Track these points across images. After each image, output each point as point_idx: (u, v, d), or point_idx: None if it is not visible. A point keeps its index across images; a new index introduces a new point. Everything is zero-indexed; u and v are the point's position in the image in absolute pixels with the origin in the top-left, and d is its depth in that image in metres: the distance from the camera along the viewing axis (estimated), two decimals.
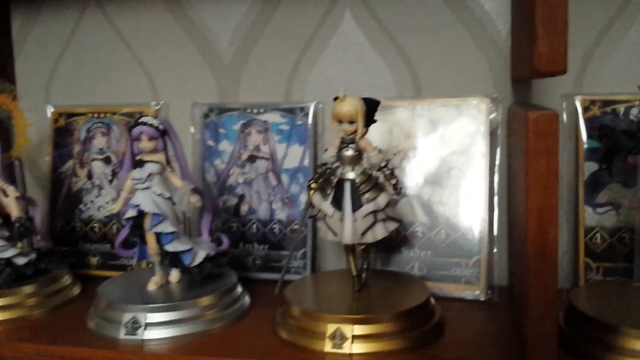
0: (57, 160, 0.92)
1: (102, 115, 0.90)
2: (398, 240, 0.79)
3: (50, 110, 0.92)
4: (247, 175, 0.86)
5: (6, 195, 0.76)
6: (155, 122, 0.68)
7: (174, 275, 0.73)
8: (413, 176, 0.79)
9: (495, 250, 0.77)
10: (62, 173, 0.92)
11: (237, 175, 0.86)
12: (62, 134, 0.92)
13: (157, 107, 0.89)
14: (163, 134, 0.68)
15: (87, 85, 0.93)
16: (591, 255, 0.75)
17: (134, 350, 0.64)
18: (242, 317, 0.71)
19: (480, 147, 0.78)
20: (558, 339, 0.52)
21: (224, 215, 0.86)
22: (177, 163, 0.71)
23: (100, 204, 0.89)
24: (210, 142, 0.87)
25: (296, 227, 0.83)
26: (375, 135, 0.75)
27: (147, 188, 0.68)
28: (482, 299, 0.75)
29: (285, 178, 0.85)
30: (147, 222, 0.69)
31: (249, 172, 0.86)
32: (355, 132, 0.65)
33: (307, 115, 0.84)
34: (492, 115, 0.78)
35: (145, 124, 0.67)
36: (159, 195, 0.68)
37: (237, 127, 0.87)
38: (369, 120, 0.66)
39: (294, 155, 0.84)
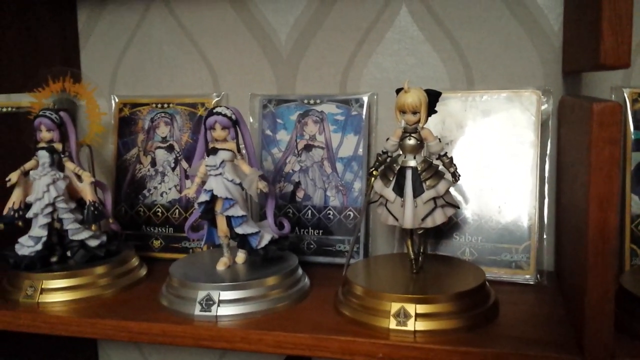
0: (121, 148, 0.97)
1: (165, 105, 0.95)
2: (450, 226, 0.82)
3: (114, 101, 0.97)
4: (303, 164, 0.90)
5: (81, 180, 0.81)
6: (228, 112, 0.72)
7: (240, 256, 0.78)
8: (465, 165, 0.82)
9: (545, 236, 0.80)
10: (126, 160, 0.97)
11: (294, 164, 0.90)
12: (127, 123, 0.97)
13: (218, 98, 0.94)
14: (235, 123, 0.72)
15: (151, 76, 0.98)
16: (637, 241, 0.77)
17: (209, 325, 0.68)
18: (304, 296, 0.76)
19: (531, 137, 0.81)
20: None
21: (281, 202, 0.90)
22: (246, 151, 0.75)
23: (164, 190, 0.94)
24: (268, 132, 0.92)
25: (351, 213, 0.87)
26: (429, 125, 0.79)
27: (219, 174, 0.72)
28: (532, 283, 0.78)
29: (339, 166, 0.88)
30: (219, 206, 0.73)
31: (305, 161, 0.90)
32: (417, 122, 0.68)
33: (362, 106, 0.88)
34: (543, 107, 0.81)
35: (219, 113, 0.71)
36: (231, 181, 0.72)
37: (294, 117, 0.91)
38: (430, 110, 0.69)
39: (348, 145, 0.88)
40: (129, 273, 0.83)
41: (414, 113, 0.68)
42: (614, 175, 0.53)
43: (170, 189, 0.94)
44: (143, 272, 0.86)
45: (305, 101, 0.90)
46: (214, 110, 0.72)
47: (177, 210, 0.94)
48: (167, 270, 0.85)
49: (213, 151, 0.72)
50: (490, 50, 0.85)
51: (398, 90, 0.69)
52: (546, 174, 0.81)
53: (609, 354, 0.56)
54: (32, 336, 0.76)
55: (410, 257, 0.73)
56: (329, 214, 0.89)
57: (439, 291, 0.67)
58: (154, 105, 0.96)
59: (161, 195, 0.95)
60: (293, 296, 0.74)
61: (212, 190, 0.73)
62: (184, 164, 0.94)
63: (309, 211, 0.90)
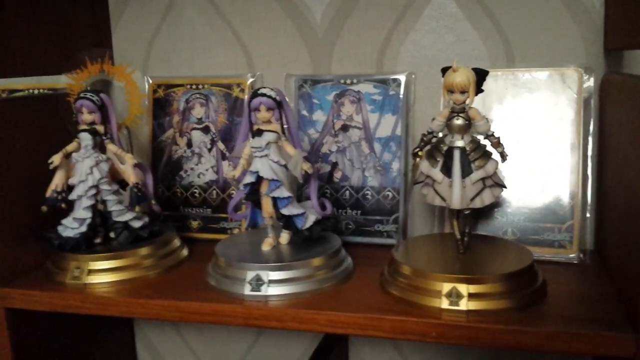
0: (157, 130, 0.97)
1: (200, 86, 0.95)
2: (492, 205, 0.82)
3: (148, 82, 0.97)
4: (340, 144, 0.90)
5: (122, 162, 0.81)
6: (273, 94, 0.72)
7: (284, 237, 0.78)
8: (506, 144, 0.82)
9: (588, 215, 0.80)
10: (161, 142, 0.97)
11: (331, 144, 0.90)
12: (161, 104, 0.97)
13: (253, 79, 0.93)
14: (279, 104, 0.72)
15: (184, 57, 0.98)
16: None
17: (259, 305, 0.69)
18: (349, 277, 0.76)
19: (573, 115, 0.80)
20: None
21: (318, 182, 0.90)
22: (289, 132, 0.75)
23: (200, 170, 0.95)
24: (305, 112, 0.91)
25: (389, 193, 0.87)
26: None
27: (265, 156, 0.72)
28: (575, 262, 0.79)
29: (377, 146, 0.88)
30: (264, 188, 0.74)
31: (342, 141, 0.90)
32: (464, 101, 0.68)
33: (399, 85, 0.87)
34: (585, 85, 0.80)
35: (264, 95, 0.71)
36: (276, 162, 0.72)
37: (330, 97, 0.90)
38: (477, 89, 0.69)
39: (386, 125, 0.88)
40: (172, 254, 0.84)
41: (462, 92, 0.67)
42: None
43: (207, 170, 0.94)
44: (185, 252, 0.86)
45: (342, 81, 0.90)
46: (259, 92, 0.72)
47: (214, 191, 0.94)
48: (207, 250, 0.86)
49: (258, 133, 0.72)
50: (530, 28, 0.84)
51: (444, 70, 0.69)
52: (589, 153, 0.80)
53: None
54: (66, 316, 0.77)
55: (457, 237, 0.73)
56: (367, 194, 0.89)
57: (489, 271, 0.67)
58: (188, 86, 0.95)
59: (198, 176, 0.95)
60: (338, 276, 0.74)
61: (257, 171, 0.73)
62: (220, 145, 0.94)
63: (347, 192, 0.90)
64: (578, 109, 0.80)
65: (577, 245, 0.79)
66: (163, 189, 0.96)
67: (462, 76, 0.66)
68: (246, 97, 0.92)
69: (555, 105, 0.81)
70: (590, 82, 0.80)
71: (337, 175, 0.90)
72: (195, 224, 0.95)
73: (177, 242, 0.86)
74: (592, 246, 0.84)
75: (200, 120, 0.95)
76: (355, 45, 0.90)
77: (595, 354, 0.61)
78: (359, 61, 0.90)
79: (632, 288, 0.62)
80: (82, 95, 0.78)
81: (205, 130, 0.94)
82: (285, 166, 0.73)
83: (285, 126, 0.75)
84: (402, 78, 0.87)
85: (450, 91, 0.68)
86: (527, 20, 0.84)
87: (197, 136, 0.95)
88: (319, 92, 0.91)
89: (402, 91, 0.87)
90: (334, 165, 0.90)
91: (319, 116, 0.91)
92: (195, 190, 0.95)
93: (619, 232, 0.69)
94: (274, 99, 0.72)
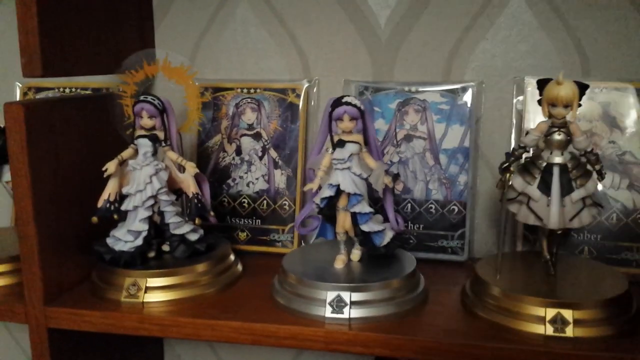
0: (203, 135, 0.91)
1: (252, 90, 0.89)
2: None
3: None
4: (402, 154, 0.85)
5: (182, 170, 0.76)
6: (357, 103, 0.67)
7: (356, 253, 0.73)
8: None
9: None
10: (208, 148, 0.91)
11: (393, 154, 0.86)
12: (208, 108, 0.91)
13: (309, 84, 0.88)
14: (362, 114, 0.67)
15: (236, 58, 0.92)
16: None
17: (342, 329, 0.64)
18: (426, 299, 0.72)
19: None
20: None
21: (377, 194, 0.85)
22: (370, 144, 0.70)
23: (250, 179, 0.89)
24: None
25: (455, 208, 0.83)
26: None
27: (347, 168, 0.67)
28: None
29: (443, 158, 0.84)
30: (343, 202, 0.69)
31: (405, 152, 0.85)
32: (567, 116, 0.64)
33: (468, 94, 0.83)
34: None
35: (349, 104, 0.66)
36: (358, 175, 0.68)
37: (393, 105, 0.86)
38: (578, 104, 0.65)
39: (453, 136, 0.84)
40: (229, 269, 0.79)
41: (566, 106, 0.63)
42: None
43: (257, 178, 0.89)
44: (240, 268, 0.81)
45: (406, 89, 0.85)
46: (343, 100, 0.67)
47: (265, 201, 0.89)
48: (259, 264, 0.82)
49: (340, 144, 0.67)
50: (607, 40, 0.81)
51: (541, 82, 0.65)
52: None
53: None
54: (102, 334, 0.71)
55: (546, 257, 0.69)
56: (431, 207, 0.85)
57: (589, 296, 0.64)
58: (239, 90, 0.90)
59: (247, 185, 0.89)
60: (417, 298, 0.70)
61: (338, 184, 0.68)
62: (273, 153, 0.88)
63: (409, 204, 0.85)
64: None
65: None
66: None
67: (567, 89, 0.63)
68: (301, 103, 0.88)
69: (634, 120, 0.79)
70: None
71: (399, 187, 0.86)
72: (243, 235, 0.89)
73: (232, 257, 0.81)
74: None
75: (251, 126, 0.89)
76: (420, 52, 0.86)
77: None
78: (424, 68, 0.86)
79: None
80: (142, 98, 0.72)
81: (257, 136, 0.89)
82: (366, 179, 0.68)
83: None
84: (471, 87, 0.83)
85: (553, 105, 0.64)
86: (604, 32, 0.80)
87: (247, 143, 0.89)
88: (381, 99, 0.86)
89: (470, 101, 0.83)
90: (396, 176, 0.85)
91: (380, 125, 0.86)
92: (244, 200, 0.89)
93: None
94: (359, 108, 0.67)
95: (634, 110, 0.79)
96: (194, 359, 1.06)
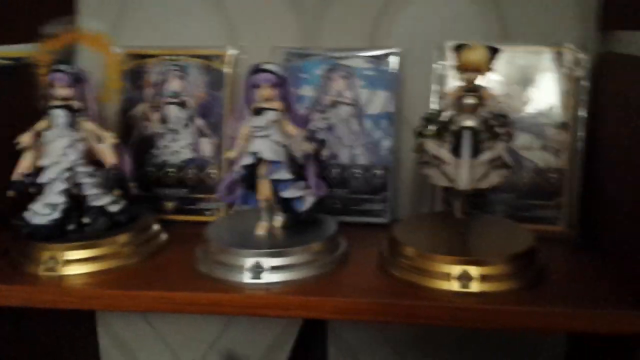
0: (127, 104, 0.89)
1: (176, 57, 0.88)
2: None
3: (118, 51, 0.89)
4: (329, 121, 0.86)
5: (101, 141, 0.74)
6: (277, 69, 0.67)
7: (278, 220, 0.74)
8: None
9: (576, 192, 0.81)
10: (131, 117, 0.89)
11: (319, 121, 0.86)
12: (132, 76, 0.89)
13: (236, 51, 0.87)
14: (282, 81, 0.67)
15: (160, 25, 0.90)
16: None
17: (261, 293, 0.65)
18: (347, 259, 0.73)
19: (565, 94, 0.80)
20: None
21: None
22: (290, 111, 0.70)
23: (176, 148, 0.88)
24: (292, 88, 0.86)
25: (378, 171, 0.85)
26: None
27: (266, 136, 0.68)
28: (565, 238, 0.79)
29: (368, 124, 0.85)
30: (264, 169, 0.69)
31: (331, 118, 0.86)
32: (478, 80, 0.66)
33: (392, 61, 0.84)
34: (579, 63, 0.80)
35: (268, 70, 0.66)
36: (277, 142, 0.68)
37: (319, 72, 0.86)
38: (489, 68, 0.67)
39: (378, 102, 0.85)
40: (152, 240, 0.78)
41: (476, 71, 0.65)
42: None
43: (183, 147, 0.88)
44: (164, 237, 0.81)
45: (332, 55, 0.85)
46: (261, 67, 0.67)
47: (191, 171, 0.88)
48: (186, 234, 0.82)
49: (259, 111, 0.67)
50: (526, 4, 0.82)
51: (458, 47, 0.66)
52: (578, 131, 0.81)
53: None
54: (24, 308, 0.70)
55: (458, 217, 0.72)
56: (356, 172, 0.86)
57: (495, 253, 0.66)
58: (163, 57, 0.88)
59: (173, 154, 0.89)
60: (336, 260, 0.72)
61: (257, 152, 0.68)
62: (199, 122, 0.88)
63: (335, 170, 0.86)
64: (571, 87, 0.80)
65: (566, 221, 0.80)
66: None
67: (478, 54, 0.64)
68: (227, 70, 0.87)
69: (547, 84, 0.81)
70: (584, 60, 0.80)
71: (325, 153, 0.86)
72: (170, 205, 0.89)
73: (156, 227, 0.80)
74: (579, 222, 0.85)
75: (176, 94, 0.88)
76: (346, 18, 0.86)
77: (604, 333, 0.61)
78: (351, 35, 0.86)
79: (635, 266, 0.62)
80: (56, 67, 0.70)
81: (182, 105, 0.88)
82: (286, 147, 0.69)
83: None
84: (395, 53, 0.84)
85: (464, 69, 0.65)
86: None
87: (172, 111, 0.88)
88: (308, 66, 0.86)
89: (395, 67, 0.84)
90: (322, 142, 0.86)
91: (307, 91, 0.86)
92: (170, 170, 0.89)
93: (615, 210, 0.70)
94: (279, 75, 0.67)
95: (550, 73, 0.81)
96: (128, 331, 1.06)
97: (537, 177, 0.81)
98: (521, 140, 0.81)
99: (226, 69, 0.87)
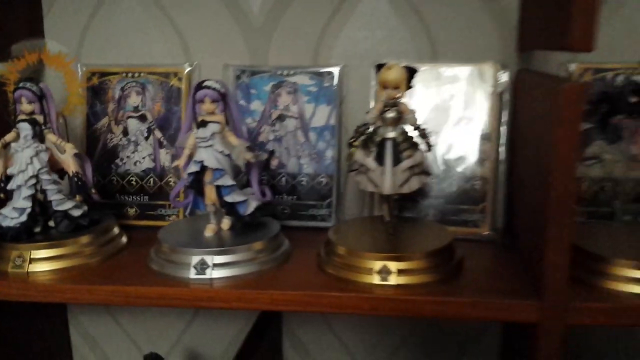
0: (92, 118, 0.97)
1: (136, 74, 0.96)
2: (417, 190, 0.89)
3: (81, 70, 0.97)
4: (277, 133, 0.94)
5: (62, 151, 0.82)
6: (217, 86, 0.75)
7: (226, 222, 0.82)
8: (431, 133, 0.89)
9: (500, 197, 0.89)
10: (97, 130, 0.97)
11: (268, 133, 0.94)
12: (96, 92, 0.97)
13: (190, 68, 0.96)
14: (223, 96, 0.75)
15: (121, 44, 0.98)
16: (579, 201, 0.88)
17: (205, 287, 0.73)
18: (288, 258, 0.81)
19: (488, 107, 0.89)
20: None
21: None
22: (233, 123, 0.78)
23: (137, 159, 0.96)
24: (242, 102, 0.95)
25: (323, 180, 0.93)
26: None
27: (209, 146, 0.76)
28: (488, 239, 0.88)
29: (312, 135, 0.93)
30: (209, 176, 0.77)
31: (279, 130, 0.94)
32: (396, 96, 0.74)
33: (333, 77, 0.93)
34: (500, 80, 0.89)
35: (209, 87, 0.74)
36: (220, 152, 0.76)
37: (267, 88, 0.94)
38: (408, 86, 0.75)
39: (321, 115, 0.93)
40: (112, 241, 0.85)
41: (395, 88, 0.73)
42: (575, 148, 0.62)
43: (144, 158, 0.96)
44: (124, 240, 0.88)
45: (279, 72, 0.94)
46: (204, 84, 0.75)
47: (151, 179, 0.96)
48: (146, 237, 0.89)
49: (203, 124, 0.75)
50: (453, 26, 0.91)
51: (379, 66, 0.75)
52: (501, 141, 0.89)
53: (564, 298, 0.66)
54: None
55: (387, 219, 0.80)
56: (302, 180, 0.94)
57: (415, 250, 0.74)
58: (124, 74, 0.96)
59: (134, 164, 0.96)
60: (278, 258, 0.79)
61: (202, 161, 0.76)
62: (158, 134, 0.95)
63: (283, 178, 0.94)
64: (493, 101, 0.89)
65: (490, 224, 0.88)
66: (99, 177, 0.96)
67: (395, 73, 0.73)
68: (183, 86, 0.95)
69: (474, 98, 0.90)
70: (505, 77, 0.89)
71: (274, 162, 0.94)
72: (132, 211, 0.96)
73: (116, 230, 0.88)
74: (504, 225, 0.94)
75: (136, 109, 0.96)
76: (292, 38, 0.94)
77: (506, 320, 0.69)
78: (296, 53, 0.95)
79: (537, 262, 0.70)
80: (21, 85, 0.77)
81: (142, 118, 0.96)
82: (229, 156, 0.77)
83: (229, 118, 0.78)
84: (336, 71, 0.93)
85: (384, 87, 0.74)
86: (450, 18, 0.91)
87: (133, 124, 0.96)
88: (257, 82, 0.94)
89: (336, 83, 0.93)
90: (271, 153, 0.94)
91: (257, 106, 0.94)
92: (132, 178, 0.96)
93: (529, 214, 0.79)
94: (219, 91, 0.75)
95: (475, 88, 0.89)
96: (98, 328, 1.13)
97: (465, 184, 0.89)
98: (450, 150, 0.90)
99: (182, 85, 0.95)
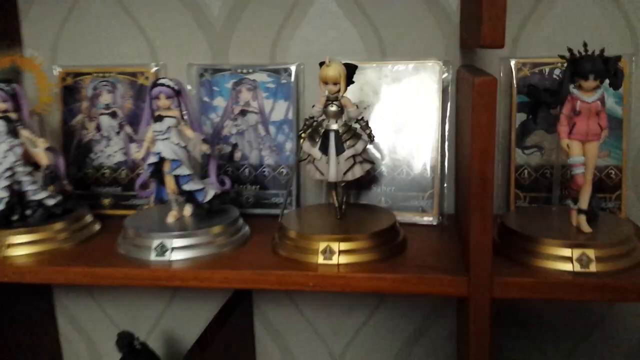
0: (67, 115, 1.04)
1: (107, 74, 1.03)
2: (368, 179, 0.96)
3: (57, 70, 1.03)
4: (239, 127, 1.01)
5: (35, 146, 0.89)
6: (171, 83, 0.81)
7: (187, 210, 0.88)
8: (380, 126, 0.96)
9: (445, 185, 0.96)
10: (72, 126, 1.04)
11: (231, 127, 1.01)
12: (71, 91, 1.03)
13: (157, 68, 1.02)
14: (177, 93, 0.82)
15: (92, 47, 1.05)
16: (520, 187, 0.95)
17: (164, 268, 0.80)
18: (245, 242, 0.88)
19: (434, 101, 0.95)
20: (493, 248, 0.71)
21: (220, 161, 1.01)
22: (188, 117, 0.85)
23: (110, 152, 1.03)
24: (206, 99, 1.01)
25: (284, 170, 1.00)
26: (349, 92, 0.91)
27: (166, 139, 0.82)
28: (435, 224, 0.94)
29: (272, 129, 1.00)
30: (167, 167, 0.84)
31: (241, 125, 1.01)
32: (338, 91, 0.81)
33: (290, 75, 0.99)
34: (444, 75, 0.95)
35: (163, 85, 0.81)
36: (177, 144, 0.82)
37: (229, 85, 1.01)
38: (349, 81, 0.82)
39: (279, 110, 1.00)
40: (85, 228, 0.92)
41: (335, 84, 0.80)
42: (490, 135, 0.68)
43: (116, 152, 1.03)
44: (97, 227, 0.95)
45: (239, 70, 1.00)
46: (158, 82, 0.81)
47: (123, 171, 1.03)
48: (119, 225, 0.94)
49: (159, 118, 0.82)
50: (399, 25, 0.98)
51: (321, 64, 0.81)
52: (446, 133, 0.96)
53: (489, 273, 0.73)
54: None
55: (335, 205, 0.86)
56: (264, 171, 1.01)
57: (357, 231, 0.81)
58: (95, 74, 1.03)
59: (107, 157, 1.03)
60: (236, 242, 0.86)
61: (160, 152, 0.83)
62: (128, 129, 1.02)
63: (247, 169, 1.01)
64: (438, 96, 0.96)
65: (437, 210, 0.95)
66: (75, 171, 1.03)
67: (333, 70, 0.79)
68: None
69: (420, 93, 0.96)
70: (448, 73, 0.95)
71: (238, 155, 1.01)
72: (106, 201, 1.03)
73: (89, 218, 0.94)
74: (452, 210, 1.00)
75: (107, 106, 1.03)
76: (250, 38, 1.01)
77: (439, 294, 0.76)
78: (254, 52, 1.01)
79: (466, 241, 0.77)
80: None
81: (113, 115, 1.03)
82: (185, 147, 0.83)
83: (184, 112, 0.85)
84: (292, 68, 0.99)
85: (325, 83, 0.80)
86: (396, 18, 0.98)
87: (105, 121, 1.03)
88: (219, 80, 1.01)
89: (292, 80, 0.99)
90: (234, 146, 1.01)
91: (219, 102, 1.01)
92: (106, 171, 1.03)
93: (462, 198, 0.85)
94: (172, 88, 0.81)
95: (422, 84, 0.96)
96: (80, 311, 1.20)
97: (414, 173, 0.96)
98: (398, 141, 0.96)
99: (148, 84, 1.01)
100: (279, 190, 1.00)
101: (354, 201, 0.96)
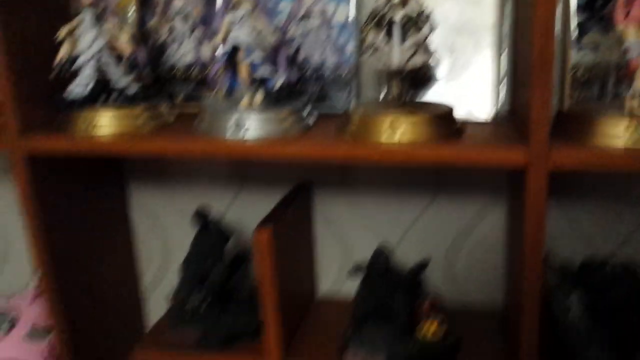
0: (143, 18, 1.11)
1: None
2: (425, 79, 1.01)
3: None
4: (302, 30, 1.06)
5: (119, 36, 0.96)
6: None
7: (258, 97, 0.95)
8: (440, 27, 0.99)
9: (503, 82, 1.00)
10: (147, 29, 1.11)
11: (295, 30, 1.06)
12: None
13: None
14: None
15: None
16: (574, 84, 0.98)
17: (240, 143, 0.87)
18: (312, 128, 0.95)
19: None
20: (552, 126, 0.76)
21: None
22: (260, 9, 0.91)
23: (183, 52, 1.10)
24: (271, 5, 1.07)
25: (345, 71, 1.05)
26: None
27: (240, 27, 0.88)
28: (492, 119, 0.99)
29: (334, 31, 1.05)
30: (242, 55, 0.90)
31: (304, 27, 1.06)
32: None
33: None
34: None
35: None
36: (251, 32, 0.89)
37: None
38: None
39: (341, 13, 1.05)
40: (161, 116, 1.01)
41: None
42: (552, 5, 0.72)
43: (188, 52, 1.10)
44: (172, 117, 1.03)
45: None
46: None
47: (194, 71, 1.10)
48: (191, 119, 1.03)
49: (234, 7, 0.88)
50: None
51: None
52: (504, 30, 0.99)
53: (546, 145, 0.77)
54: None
55: (396, 93, 0.92)
56: (326, 72, 1.06)
57: (419, 114, 0.86)
58: None
59: (180, 58, 1.10)
60: (304, 126, 0.93)
61: (236, 38, 0.89)
62: (199, 32, 1.09)
63: (309, 71, 1.07)
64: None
65: (495, 105, 1.00)
66: (149, 70, 1.11)
67: None
68: None
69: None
70: None
71: (301, 56, 1.07)
72: (179, 98, 1.11)
73: (166, 107, 1.03)
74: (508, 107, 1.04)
75: (180, 10, 1.09)
76: None
77: (498, 164, 0.81)
78: None
79: (526, 119, 0.81)
80: None
81: (185, 18, 1.09)
82: (258, 35, 0.89)
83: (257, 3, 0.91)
84: None
85: None
86: None
87: (178, 23, 1.10)
88: None
89: None
90: (298, 47, 1.07)
91: (285, 6, 1.07)
92: (178, 70, 1.10)
93: (521, 84, 0.90)
94: None
95: None
96: (155, 200, 1.29)
97: (470, 73, 1.00)
98: (457, 42, 1.00)
99: None
100: (339, 91, 1.06)
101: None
